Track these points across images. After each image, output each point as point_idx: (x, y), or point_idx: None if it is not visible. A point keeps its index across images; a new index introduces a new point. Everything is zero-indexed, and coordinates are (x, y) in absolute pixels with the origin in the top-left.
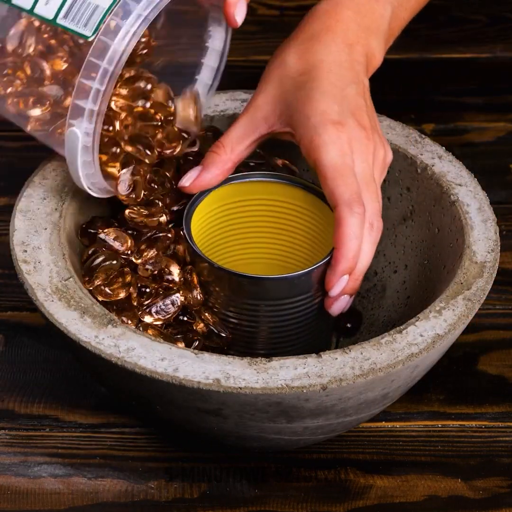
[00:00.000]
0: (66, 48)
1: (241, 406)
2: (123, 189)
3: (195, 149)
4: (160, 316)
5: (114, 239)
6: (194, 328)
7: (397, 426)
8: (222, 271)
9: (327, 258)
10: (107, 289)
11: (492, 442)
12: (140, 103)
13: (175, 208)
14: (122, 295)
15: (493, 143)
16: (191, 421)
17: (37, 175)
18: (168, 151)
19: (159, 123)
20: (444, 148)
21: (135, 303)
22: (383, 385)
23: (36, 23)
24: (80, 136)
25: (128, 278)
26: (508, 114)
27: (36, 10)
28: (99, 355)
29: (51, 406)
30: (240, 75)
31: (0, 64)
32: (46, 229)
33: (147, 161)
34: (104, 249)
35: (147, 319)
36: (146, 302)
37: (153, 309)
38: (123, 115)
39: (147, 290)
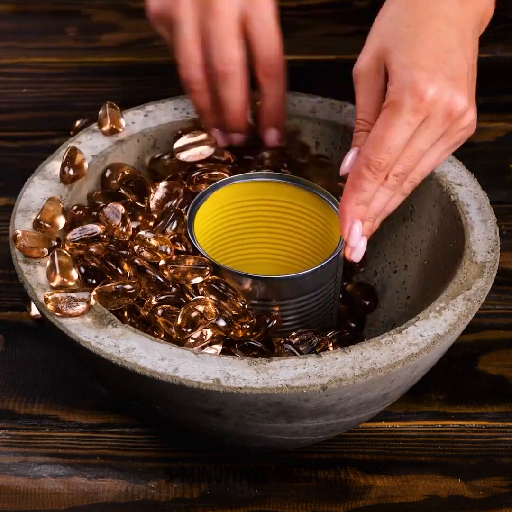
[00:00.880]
0: None
1: (241, 406)
2: None
3: None
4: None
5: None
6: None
7: (397, 426)
8: (225, 271)
9: (331, 258)
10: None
11: (492, 442)
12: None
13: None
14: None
15: (493, 143)
16: (191, 421)
17: (37, 175)
18: None
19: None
20: None
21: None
22: (383, 385)
23: None
24: None
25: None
26: (508, 114)
27: None
28: (99, 355)
29: (51, 406)
30: None
31: None
32: None
33: None
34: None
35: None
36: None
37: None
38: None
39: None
